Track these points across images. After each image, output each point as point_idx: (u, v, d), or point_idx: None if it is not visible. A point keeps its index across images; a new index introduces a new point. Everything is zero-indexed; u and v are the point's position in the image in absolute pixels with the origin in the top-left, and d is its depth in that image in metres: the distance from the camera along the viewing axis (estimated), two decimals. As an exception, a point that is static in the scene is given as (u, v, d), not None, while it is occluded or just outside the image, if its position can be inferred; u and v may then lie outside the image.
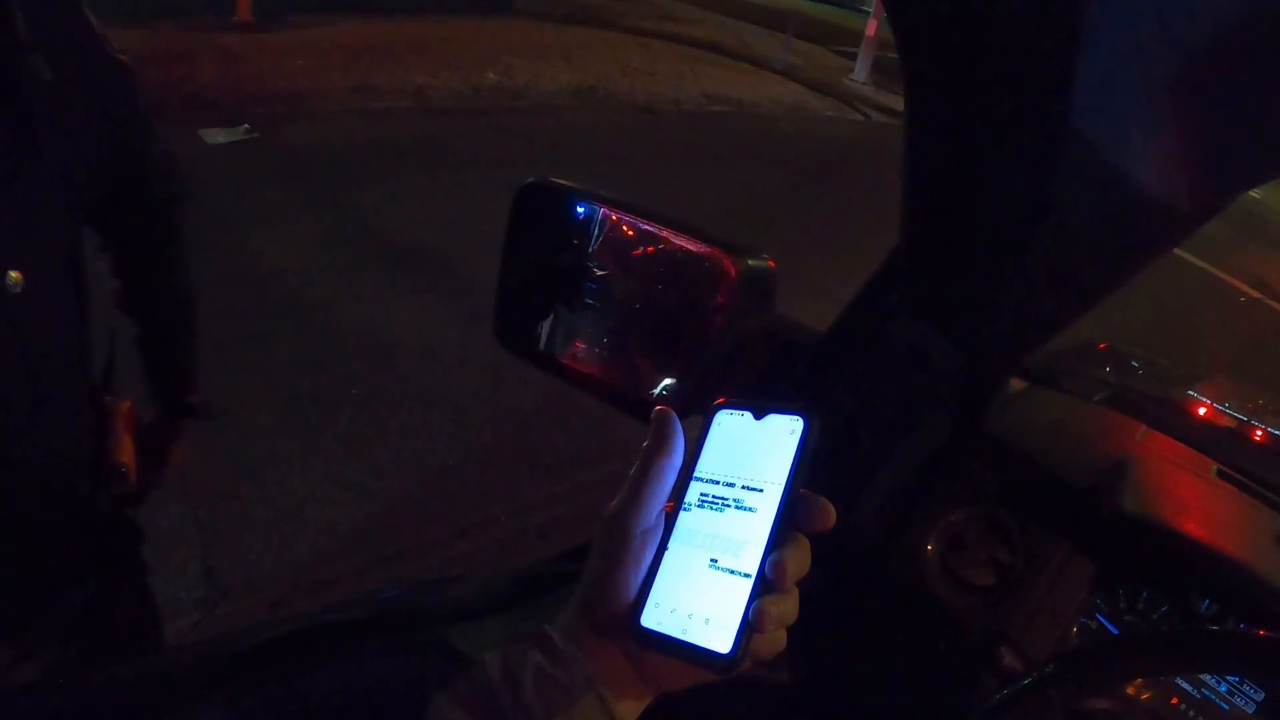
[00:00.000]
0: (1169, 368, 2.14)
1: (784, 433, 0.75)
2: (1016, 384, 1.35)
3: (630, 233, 1.16)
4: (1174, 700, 1.18)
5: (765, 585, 0.70)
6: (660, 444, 0.75)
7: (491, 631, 1.03)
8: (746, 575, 0.71)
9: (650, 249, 1.15)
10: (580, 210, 1.19)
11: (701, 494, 0.76)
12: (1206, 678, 1.17)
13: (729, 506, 0.74)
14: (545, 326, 1.22)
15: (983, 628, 1.11)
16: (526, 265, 1.21)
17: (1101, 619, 1.14)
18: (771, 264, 1.10)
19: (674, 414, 0.75)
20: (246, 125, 5.88)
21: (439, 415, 3.77)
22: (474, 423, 3.76)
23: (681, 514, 0.75)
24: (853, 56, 13.13)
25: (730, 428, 0.77)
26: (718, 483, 0.76)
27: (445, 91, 7.72)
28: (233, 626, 1.02)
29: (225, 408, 3.44)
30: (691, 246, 1.11)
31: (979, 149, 0.83)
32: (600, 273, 1.18)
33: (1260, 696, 1.14)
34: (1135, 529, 1.12)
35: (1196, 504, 1.23)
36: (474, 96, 7.89)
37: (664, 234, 1.13)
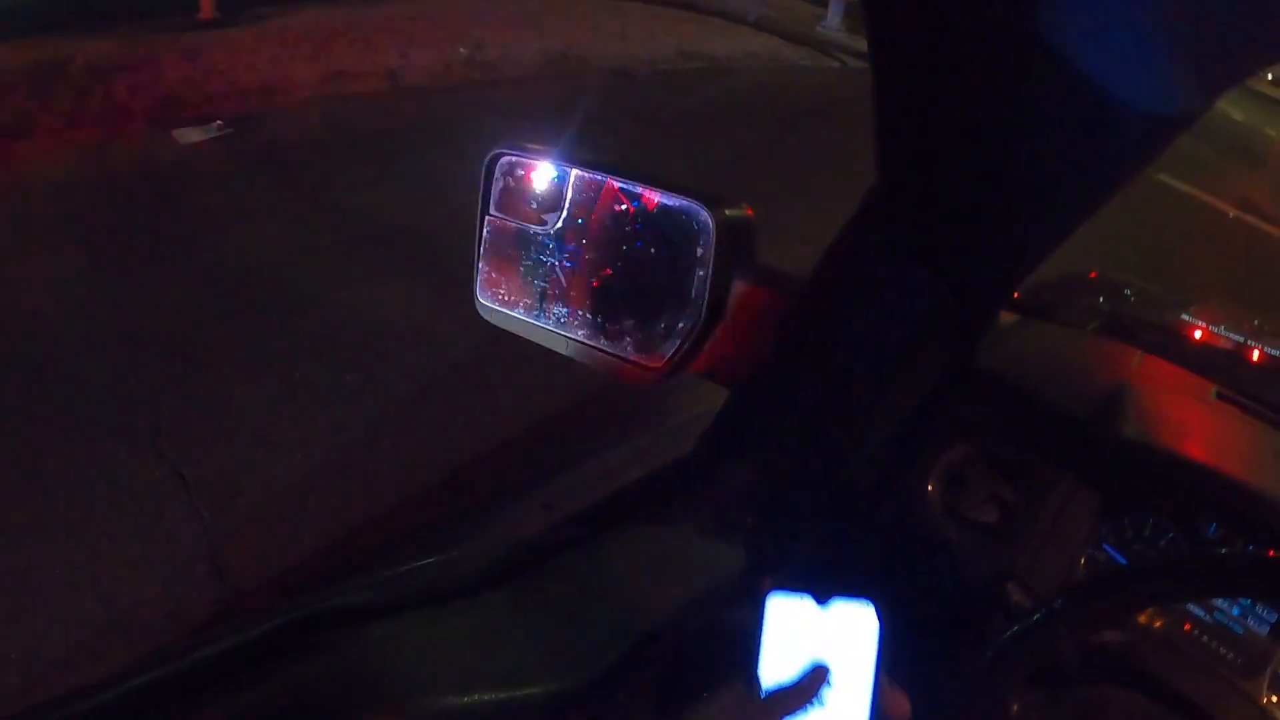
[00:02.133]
0: (1161, 293, 2.12)
1: (855, 625, 0.70)
2: (1008, 317, 1.34)
3: (603, 192, 1.14)
4: (1187, 627, 1.17)
5: None
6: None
7: (493, 604, 1.01)
8: None
9: (625, 207, 1.13)
10: (551, 174, 1.17)
11: None
12: (1219, 602, 1.15)
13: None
14: (525, 295, 1.19)
15: (989, 565, 1.10)
16: (501, 234, 1.18)
17: (1109, 549, 1.13)
18: (749, 213, 1.07)
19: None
20: (219, 122, 5.82)
21: (439, 397, 3.74)
22: (471, 401, 3.73)
23: None
24: (825, 3, 12.98)
25: (789, 620, 0.72)
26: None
27: (417, 70, 7.63)
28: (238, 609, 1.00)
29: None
30: (667, 201, 1.09)
31: (946, 71, 0.81)
32: (576, 235, 1.16)
33: (1274, 618, 1.14)
34: (1136, 455, 1.11)
35: (1198, 427, 1.21)
36: (446, 73, 7.80)
37: (638, 191, 1.11)
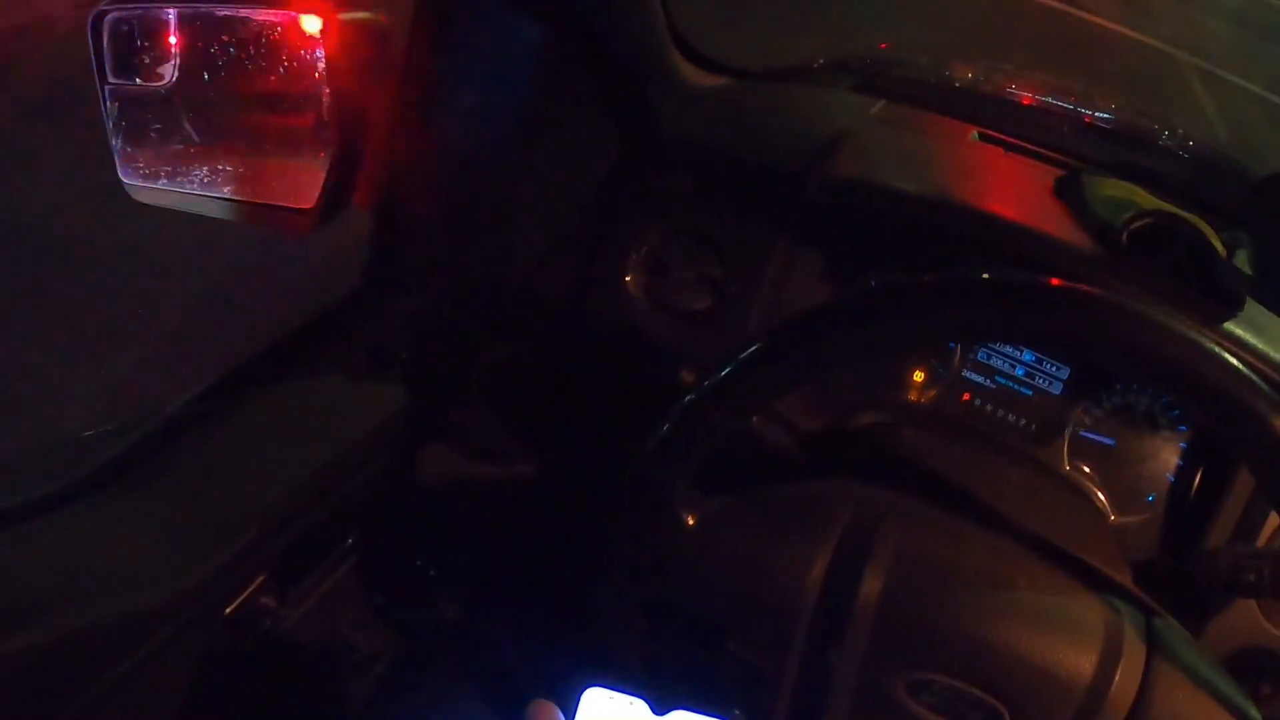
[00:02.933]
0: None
1: None
2: (711, 79, 1.14)
3: (214, 27, 1.00)
4: (965, 397, 1.01)
5: None
6: None
7: (109, 499, 0.87)
8: None
9: (240, 38, 0.98)
10: (158, 20, 1.01)
11: None
12: (998, 362, 0.99)
13: None
14: (163, 162, 1.06)
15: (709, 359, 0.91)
16: (126, 101, 1.04)
17: None
18: (384, 20, 0.91)
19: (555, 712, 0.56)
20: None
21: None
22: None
23: None
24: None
25: None
26: None
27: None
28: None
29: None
30: (273, 19, 0.94)
31: None
32: (195, 83, 1.01)
33: (1065, 374, 0.99)
34: (862, 199, 0.92)
35: (945, 164, 1.02)
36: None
37: (246, 16, 0.97)
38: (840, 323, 0.66)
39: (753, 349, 0.67)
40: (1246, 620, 0.93)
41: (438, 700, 1.17)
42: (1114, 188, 0.99)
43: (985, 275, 0.64)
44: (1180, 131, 1.37)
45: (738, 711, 0.55)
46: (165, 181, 1.04)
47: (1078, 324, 0.60)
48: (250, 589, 0.94)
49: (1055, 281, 0.61)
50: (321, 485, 0.97)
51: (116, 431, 0.94)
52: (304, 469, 0.94)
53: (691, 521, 0.74)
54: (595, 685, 0.55)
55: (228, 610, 0.92)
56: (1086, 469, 0.99)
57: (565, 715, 0.55)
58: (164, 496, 0.88)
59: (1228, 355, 0.60)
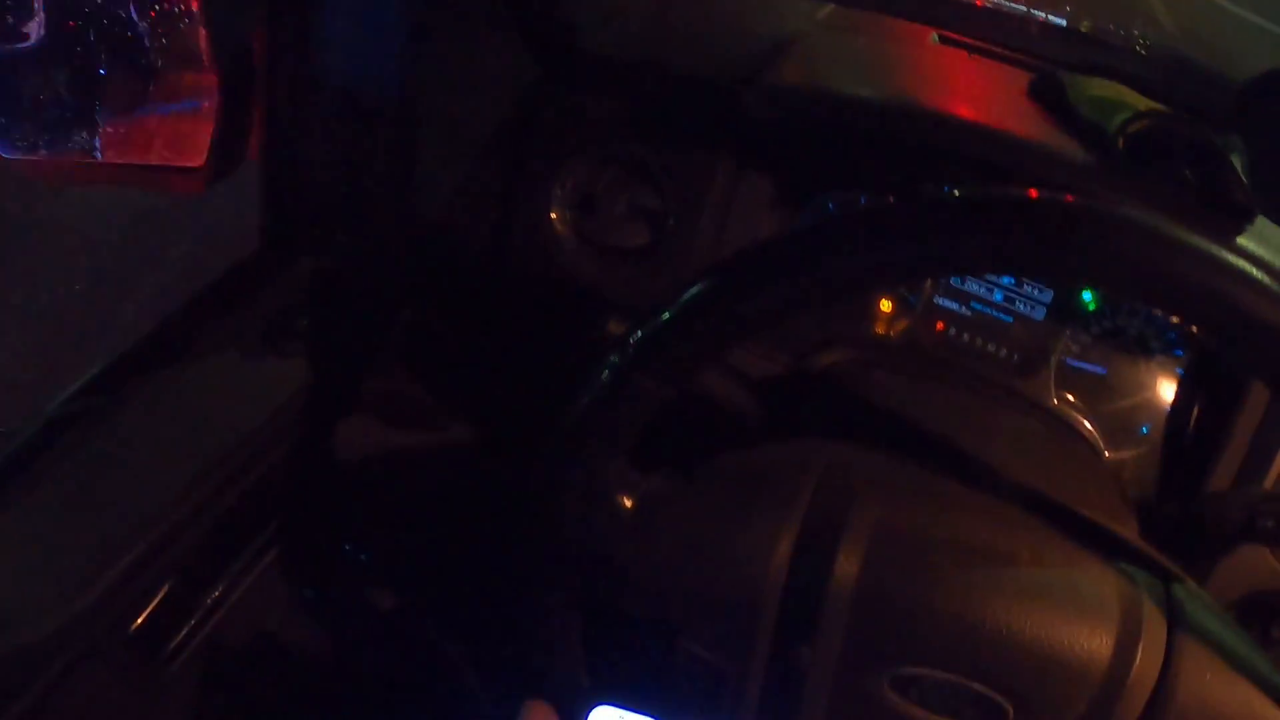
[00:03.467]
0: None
1: None
2: None
3: None
4: (939, 327, 0.93)
5: None
6: None
7: None
8: None
9: None
10: None
11: None
12: (974, 287, 0.89)
13: None
14: (42, 132, 0.97)
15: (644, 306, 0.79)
16: None
17: None
18: None
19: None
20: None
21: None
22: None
23: None
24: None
25: None
26: None
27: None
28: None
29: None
30: None
31: None
32: (62, 42, 0.92)
33: (1048, 297, 0.91)
34: (811, 110, 0.82)
35: (902, 68, 0.91)
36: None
37: None
38: (793, 261, 0.54)
39: (685, 299, 0.55)
40: (1256, 563, 0.86)
41: (382, 705, 1.09)
42: (1101, 88, 0.90)
43: (967, 191, 0.52)
44: (1150, 36, 1.27)
45: None
46: (45, 152, 0.98)
47: (1088, 247, 0.49)
48: (156, 600, 0.85)
49: (1067, 196, 0.50)
50: (226, 474, 0.88)
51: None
52: (204, 458, 0.86)
53: (629, 504, 0.63)
54: (603, 704, 0.53)
55: (132, 627, 0.83)
56: (1075, 401, 0.93)
57: None
58: (42, 510, 0.80)
59: (1256, 272, 0.50)
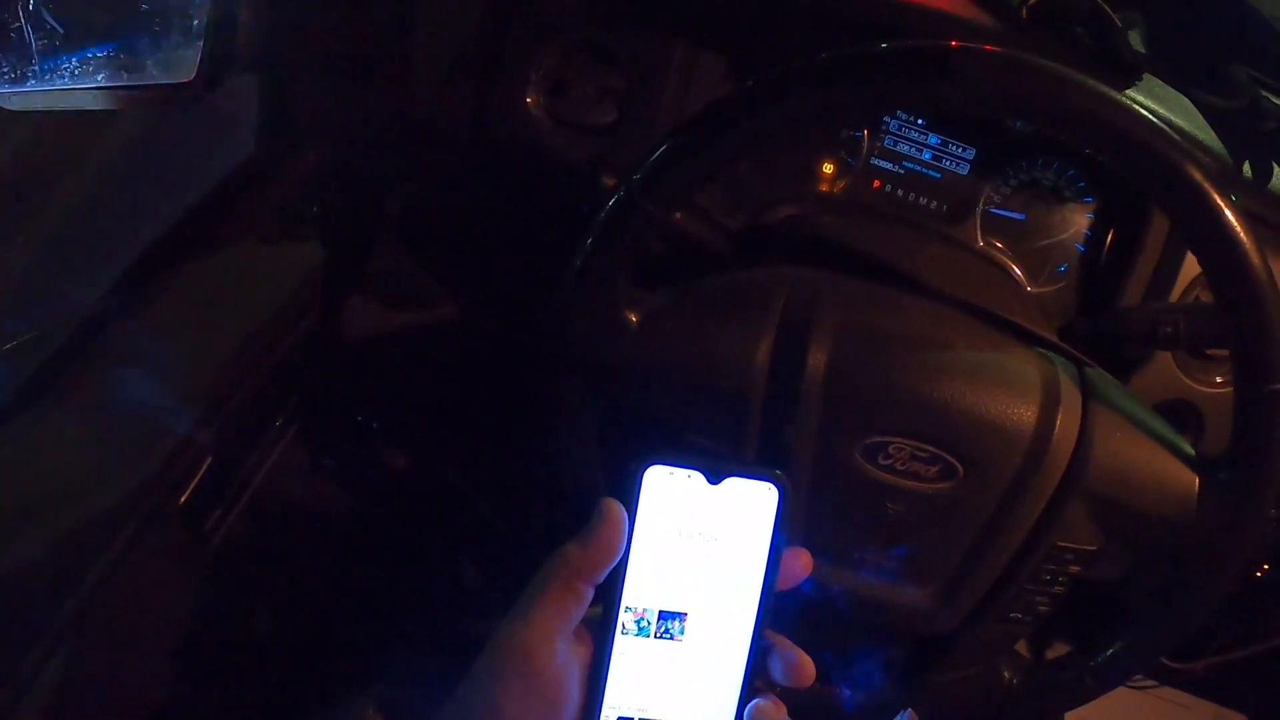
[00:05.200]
0: None
1: (749, 505, 0.58)
2: None
3: None
4: (875, 185, 1.01)
5: None
6: (593, 547, 0.56)
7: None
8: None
9: None
10: None
11: (640, 608, 0.58)
12: (905, 147, 1.00)
13: (679, 622, 0.58)
14: (30, 59, 0.97)
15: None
16: None
17: None
18: None
19: (623, 511, 0.56)
20: None
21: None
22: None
23: (619, 633, 0.58)
24: None
25: (669, 495, 0.57)
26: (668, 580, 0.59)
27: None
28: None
29: None
30: None
31: None
32: None
33: (971, 154, 1.00)
34: None
35: None
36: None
37: None
38: (758, 99, 0.66)
39: (679, 135, 0.66)
40: (1164, 374, 0.96)
41: (407, 553, 1.16)
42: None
43: (891, 44, 0.64)
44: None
45: (778, 472, 0.57)
46: (35, 83, 0.98)
47: (994, 85, 0.60)
48: (199, 475, 0.91)
49: (952, 43, 0.61)
50: (251, 357, 0.94)
51: (29, 342, 0.90)
52: (229, 344, 0.92)
53: (635, 320, 0.73)
54: (654, 464, 0.57)
55: (182, 499, 0.90)
56: (1000, 245, 1.01)
57: (629, 495, 0.56)
58: (93, 399, 0.85)
59: (1138, 107, 0.61)
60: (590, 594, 0.56)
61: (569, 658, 0.56)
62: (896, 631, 0.83)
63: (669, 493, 0.57)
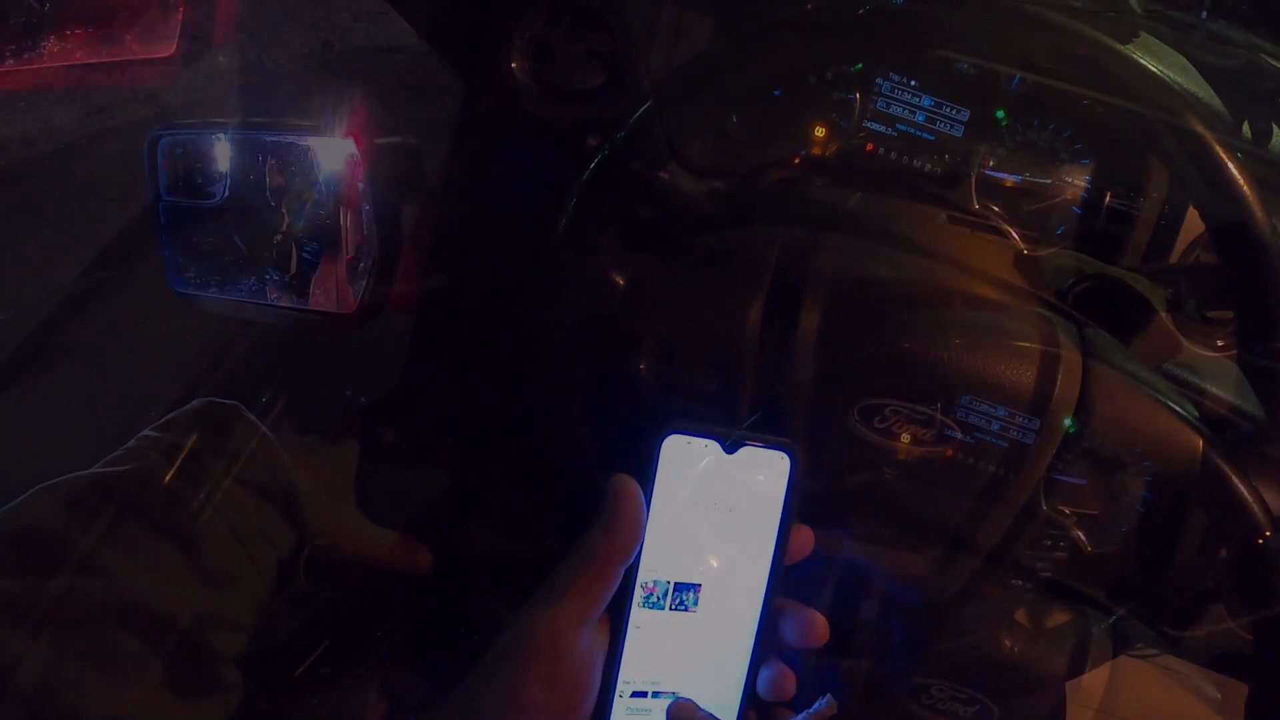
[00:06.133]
0: None
1: (762, 474, 0.60)
2: None
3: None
4: (869, 148, 1.01)
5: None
6: (620, 531, 0.57)
7: None
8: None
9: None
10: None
11: (653, 582, 0.59)
12: (898, 110, 0.99)
13: (693, 593, 0.60)
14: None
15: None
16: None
17: None
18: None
19: (638, 488, 0.58)
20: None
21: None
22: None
23: (634, 607, 0.59)
24: None
25: (686, 465, 0.59)
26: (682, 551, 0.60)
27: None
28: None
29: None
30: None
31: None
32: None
33: (965, 116, 0.98)
34: None
35: None
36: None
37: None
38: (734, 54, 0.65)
39: (663, 90, 0.65)
40: (1164, 337, 0.95)
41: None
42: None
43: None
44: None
45: (790, 440, 0.58)
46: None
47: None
48: (183, 453, 0.89)
49: None
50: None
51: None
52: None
53: (622, 282, 0.72)
54: (672, 433, 0.58)
55: (165, 480, 0.88)
56: (995, 208, 0.99)
57: (647, 465, 0.57)
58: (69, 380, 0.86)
59: (1145, 63, 0.60)
60: (620, 577, 0.57)
61: (591, 643, 0.57)
62: (895, 599, 0.81)
63: (685, 462, 0.57)
